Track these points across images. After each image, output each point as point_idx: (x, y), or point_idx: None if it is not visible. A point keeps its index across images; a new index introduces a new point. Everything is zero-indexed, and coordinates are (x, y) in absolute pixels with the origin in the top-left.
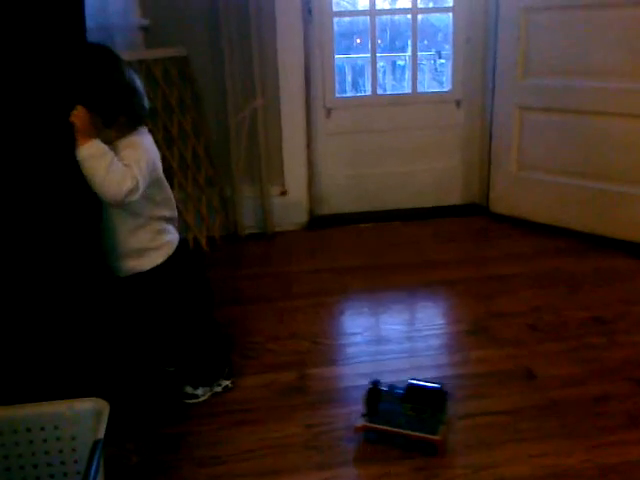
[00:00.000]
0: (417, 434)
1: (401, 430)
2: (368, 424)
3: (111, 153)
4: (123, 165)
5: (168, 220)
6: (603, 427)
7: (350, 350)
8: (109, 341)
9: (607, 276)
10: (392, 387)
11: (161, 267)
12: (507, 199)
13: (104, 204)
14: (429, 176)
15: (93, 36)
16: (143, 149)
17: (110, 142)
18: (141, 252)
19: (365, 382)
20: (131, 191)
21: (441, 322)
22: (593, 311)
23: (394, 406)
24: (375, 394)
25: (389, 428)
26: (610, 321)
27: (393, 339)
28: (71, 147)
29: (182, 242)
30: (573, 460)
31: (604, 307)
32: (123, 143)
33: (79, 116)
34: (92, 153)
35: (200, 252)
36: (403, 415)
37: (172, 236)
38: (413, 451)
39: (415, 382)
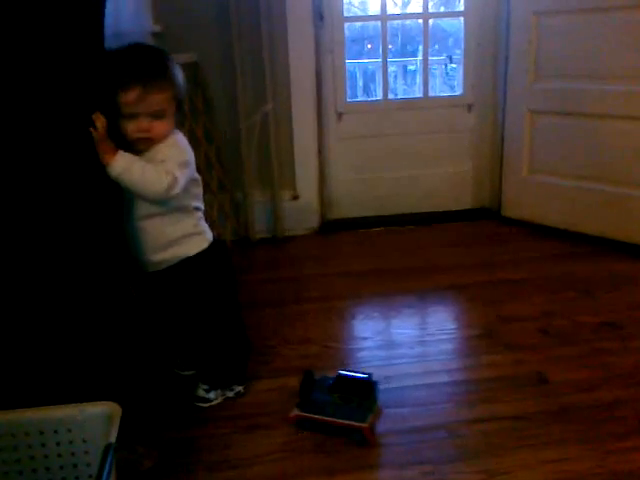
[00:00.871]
0: (344, 422)
1: (330, 418)
2: (300, 413)
3: (136, 158)
4: (157, 163)
5: (202, 213)
6: (616, 433)
7: (361, 354)
8: (123, 344)
9: (619, 281)
10: (324, 378)
11: (193, 260)
12: (518, 203)
13: (135, 200)
14: (440, 180)
15: (105, 43)
16: (182, 147)
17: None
18: (175, 243)
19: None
20: (170, 186)
21: (452, 326)
22: (605, 316)
23: (324, 396)
24: (307, 384)
25: (319, 416)
26: (622, 326)
27: (404, 343)
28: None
29: (218, 240)
30: (585, 466)
31: (616, 312)
32: (163, 143)
33: (99, 126)
34: (123, 166)
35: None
36: (332, 404)
37: (206, 230)
38: (342, 437)
39: (344, 372)
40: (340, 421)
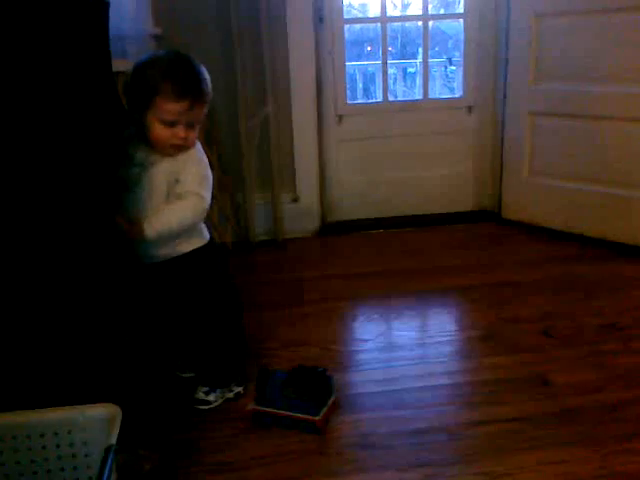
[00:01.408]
0: (298, 415)
1: (283, 412)
2: (256, 407)
3: (160, 210)
4: (185, 188)
5: None
6: (619, 434)
7: (361, 357)
8: (124, 346)
9: (621, 282)
10: (279, 372)
11: (192, 255)
12: (519, 205)
13: (141, 200)
14: (441, 182)
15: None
16: (204, 162)
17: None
18: (175, 240)
19: (377, 388)
20: (205, 209)
21: (453, 329)
22: (607, 317)
23: (278, 390)
24: (262, 379)
25: (273, 410)
26: (625, 327)
27: (405, 346)
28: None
29: (213, 241)
30: (589, 468)
31: (618, 313)
32: (189, 158)
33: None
34: (156, 230)
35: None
36: (286, 398)
37: (204, 229)
38: (297, 429)
39: (298, 367)
40: (294, 415)
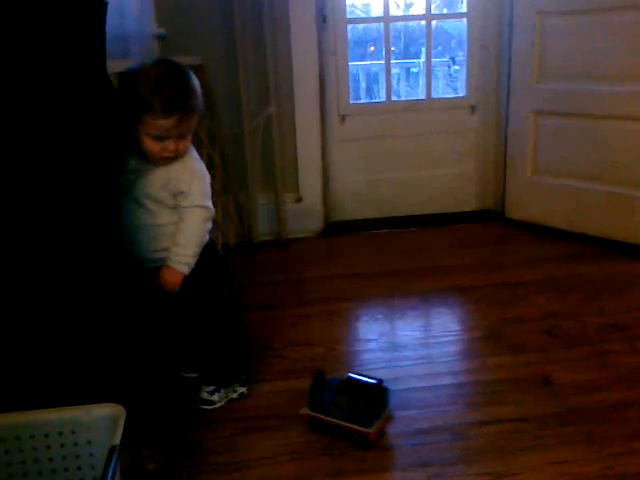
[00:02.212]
0: (350, 425)
1: (336, 420)
2: (310, 412)
3: (179, 242)
4: (184, 200)
5: None
6: (623, 434)
7: (365, 356)
8: (127, 346)
9: (625, 282)
10: (335, 379)
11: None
12: (522, 205)
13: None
14: (444, 182)
15: (110, 45)
16: (201, 172)
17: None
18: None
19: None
20: (210, 218)
21: (457, 329)
22: (611, 317)
23: (333, 397)
24: (318, 384)
25: (327, 418)
26: (628, 327)
27: (408, 345)
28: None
29: (212, 241)
30: (592, 468)
31: (622, 313)
32: (183, 168)
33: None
34: (188, 264)
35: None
36: (339, 406)
37: None
38: (349, 440)
39: (353, 376)
40: (345, 424)
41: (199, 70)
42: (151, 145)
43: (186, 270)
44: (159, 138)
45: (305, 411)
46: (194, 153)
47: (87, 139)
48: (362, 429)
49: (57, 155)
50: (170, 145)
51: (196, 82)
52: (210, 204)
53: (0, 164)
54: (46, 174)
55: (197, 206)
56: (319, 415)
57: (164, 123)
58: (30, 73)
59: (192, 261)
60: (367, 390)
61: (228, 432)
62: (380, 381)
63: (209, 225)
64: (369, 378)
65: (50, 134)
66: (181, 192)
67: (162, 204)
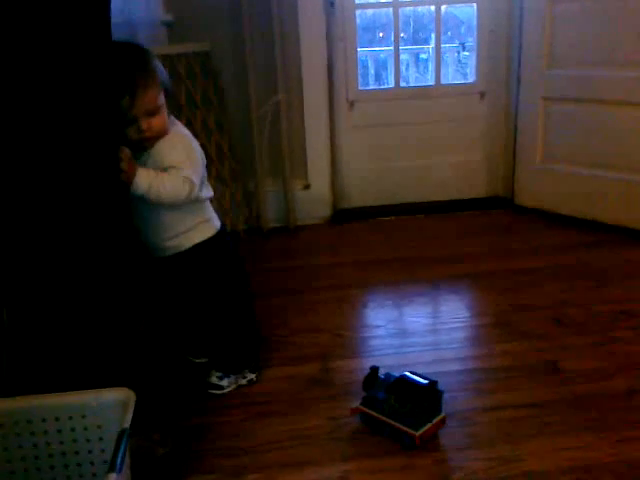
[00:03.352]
0: (397, 425)
1: (383, 417)
2: (360, 407)
3: (154, 173)
4: (170, 171)
5: (209, 200)
6: (631, 421)
7: (373, 343)
8: (137, 331)
9: (634, 269)
10: (388, 375)
11: (202, 246)
12: (532, 191)
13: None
14: (453, 169)
15: (117, 32)
16: (187, 145)
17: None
18: (186, 232)
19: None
20: (191, 191)
21: (465, 315)
22: (620, 304)
23: (383, 394)
24: (371, 379)
25: (376, 414)
26: (638, 315)
27: (416, 332)
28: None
29: (224, 228)
30: (600, 454)
31: (632, 300)
32: (166, 143)
33: (126, 161)
34: (149, 183)
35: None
36: (388, 404)
37: (214, 217)
38: (396, 440)
39: (407, 374)
40: (393, 422)
41: (207, 57)
42: (129, 132)
43: (140, 188)
44: (130, 122)
45: (356, 405)
46: (179, 127)
47: (96, 127)
48: (408, 430)
49: (66, 144)
50: (142, 125)
51: (148, 58)
52: (195, 179)
53: (7, 152)
54: (56, 163)
55: (182, 176)
56: (369, 411)
57: (124, 105)
58: (34, 59)
59: (145, 189)
60: (417, 390)
61: (237, 417)
62: (433, 382)
63: (185, 197)
64: (423, 378)
65: (58, 123)
66: (172, 167)
67: None
